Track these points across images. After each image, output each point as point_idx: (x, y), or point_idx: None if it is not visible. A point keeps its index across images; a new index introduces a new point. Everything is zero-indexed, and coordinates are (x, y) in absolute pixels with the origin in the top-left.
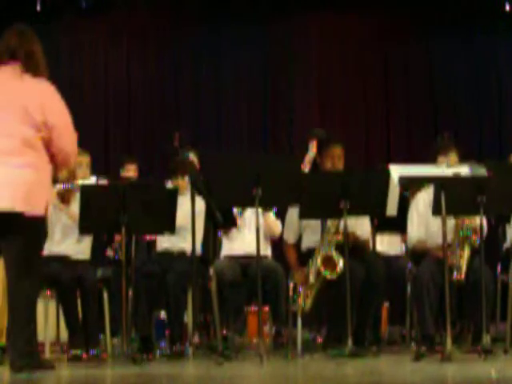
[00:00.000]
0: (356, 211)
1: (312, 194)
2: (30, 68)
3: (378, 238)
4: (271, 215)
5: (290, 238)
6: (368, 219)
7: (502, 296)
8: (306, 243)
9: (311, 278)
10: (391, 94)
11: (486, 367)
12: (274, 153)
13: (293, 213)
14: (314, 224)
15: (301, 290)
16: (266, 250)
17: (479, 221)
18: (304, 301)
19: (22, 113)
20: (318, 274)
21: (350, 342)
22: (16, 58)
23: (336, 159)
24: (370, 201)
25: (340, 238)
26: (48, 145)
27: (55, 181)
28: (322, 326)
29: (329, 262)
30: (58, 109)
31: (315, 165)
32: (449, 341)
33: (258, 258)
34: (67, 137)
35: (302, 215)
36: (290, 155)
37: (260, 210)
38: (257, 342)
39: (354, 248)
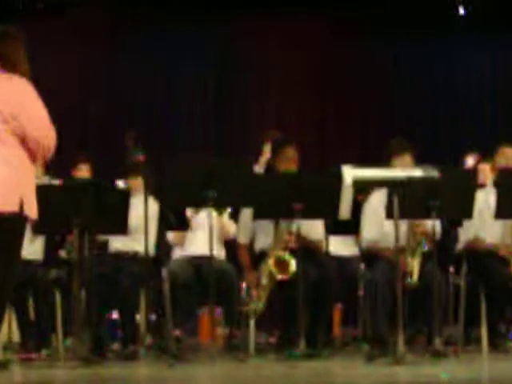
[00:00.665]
0: (309, 213)
1: (265, 196)
2: (5, 67)
3: (332, 240)
4: (225, 216)
5: (242, 239)
6: (321, 221)
7: (454, 299)
8: (259, 245)
9: (263, 280)
10: (346, 95)
11: (438, 369)
12: (229, 154)
13: (246, 214)
14: (267, 225)
15: (253, 291)
16: (220, 251)
17: (431, 224)
18: (256, 302)
19: None
20: (271, 275)
21: (302, 343)
22: None
23: (289, 161)
24: (323, 202)
25: (292, 239)
26: (23, 140)
27: None
28: (274, 328)
29: (281, 263)
30: (28, 102)
31: (269, 166)
32: (401, 343)
33: (210, 259)
34: (40, 129)
35: (255, 216)
36: (242, 157)
37: (214, 211)
38: (209, 344)
39: (306, 249)
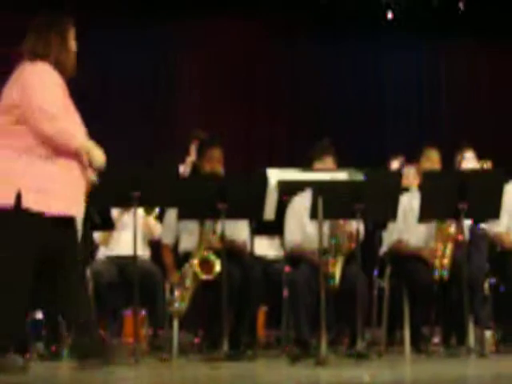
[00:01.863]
0: (234, 214)
1: (190, 197)
2: (27, 56)
3: (257, 241)
4: (152, 217)
5: (167, 239)
6: (246, 222)
7: (378, 301)
8: (184, 245)
9: (187, 280)
10: (274, 96)
11: (360, 371)
12: (157, 154)
13: (171, 214)
14: (192, 226)
15: (177, 291)
16: (144, 252)
17: (355, 226)
18: (180, 303)
19: (4, 101)
20: (195, 276)
21: (225, 344)
22: (26, 51)
23: (215, 161)
24: (248, 204)
25: (217, 240)
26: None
27: None
28: (198, 328)
29: (205, 264)
30: (28, 87)
31: (195, 166)
32: (324, 345)
33: (135, 259)
34: (38, 119)
35: (180, 217)
36: (168, 157)
37: (141, 211)
38: (133, 344)
39: (230, 250)
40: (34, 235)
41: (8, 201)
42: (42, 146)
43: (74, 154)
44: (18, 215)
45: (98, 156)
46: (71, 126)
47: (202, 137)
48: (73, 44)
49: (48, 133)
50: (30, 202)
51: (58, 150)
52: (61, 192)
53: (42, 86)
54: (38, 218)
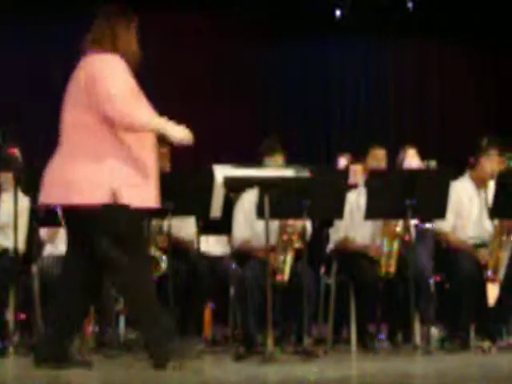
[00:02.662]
0: (180, 212)
1: None
2: (95, 47)
3: (203, 239)
4: None
5: None
6: (193, 220)
7: (325, 298)
8: None
9: None
10: (219, 94)
11: (306, 368)
12: None
13: None
14: None
15: None
16: None
17: (302, 223)
18: None
19: (75, 95)
20: None
21: None
22: (91, 44)
23: (163, 159)
24: (195, 201)
25: (164, 239)
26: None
27: None
28: None
29: (151, 261)
30: (100, 78)
31: None
32: (270, 342)
33: None
34: (107, 106)
35: None
36: None
37: None
38: (79, 342)
39: (177, 248)
40: (141, 230)
41: (105, 200)
42: (125, 142)
43: (152, 145)
44: (119, 211)
45: (179, 131)
46: (144, 111)
47: None
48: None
49: (122, 120)
50: (126, 198)
51: (139, 142)
52: (148, 184)
53: (113, 74)
54: (136, 212)
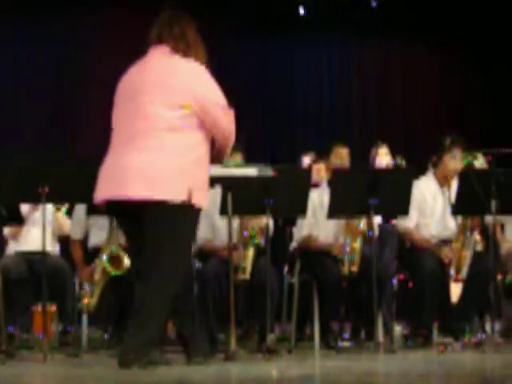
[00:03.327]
0: None
1: None
2: (180, 49)
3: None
4: (61, 212)
5: (76, 235)
6: None
7: (288, 296)
8: (93, 241)
9: (97, 276)
10: None
11: (269, 367)
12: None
13: (80, 210)
14: (102, 222)
15: (87, 287)
16: (54, 247)
17: (264, 222)
18: (90, 298)
19: (163, 93)
20: (104, 271)
21: None
22: (164, 42)
23: None
24: None
25: None
26: (200, 125)
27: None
28: (108, 324)
29: (115, 259)
30: (204, 87)
31: None
32: (233, 340)
33: (44, 255)
34: (217, 114)
35: (89, 212)
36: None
37: (51, 207)
38: (42, 340)
39: None
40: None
41: (181, 196)
42: (205, 143)
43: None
44: (192, 211)
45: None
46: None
47: None
48: None
49: (227, 128)
50: (195, 198)
51: (208, 146)
52: (206, 188)
53: (212, 82)
54: (197, 213)
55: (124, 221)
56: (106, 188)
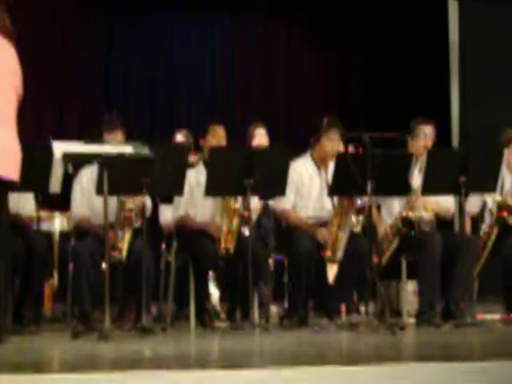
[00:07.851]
0: (19, 187)
1: None
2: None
3: (44, 215)
4: None
5: None
6: (32, 195)
7: (165, 276)
8: None
9: None
10: (65, 71)
11: (143, 346)
12: None
13: None
14: None
15: None
16: None
17: (142, 200)
18: None
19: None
20: None
21: (9, 319)
22: None
23: None
24: (33, 176)
25: None
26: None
27: None
28: None
29: None
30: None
31: None
32: (107, 319)
33: None
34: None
35: None
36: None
37: None
38: None
39: (15, 224)
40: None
41: None
42: None
43: None
44: None
45: None
46: None
47: None
48: None
49: None
50: None
51: None
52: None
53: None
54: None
55: None
56: None
